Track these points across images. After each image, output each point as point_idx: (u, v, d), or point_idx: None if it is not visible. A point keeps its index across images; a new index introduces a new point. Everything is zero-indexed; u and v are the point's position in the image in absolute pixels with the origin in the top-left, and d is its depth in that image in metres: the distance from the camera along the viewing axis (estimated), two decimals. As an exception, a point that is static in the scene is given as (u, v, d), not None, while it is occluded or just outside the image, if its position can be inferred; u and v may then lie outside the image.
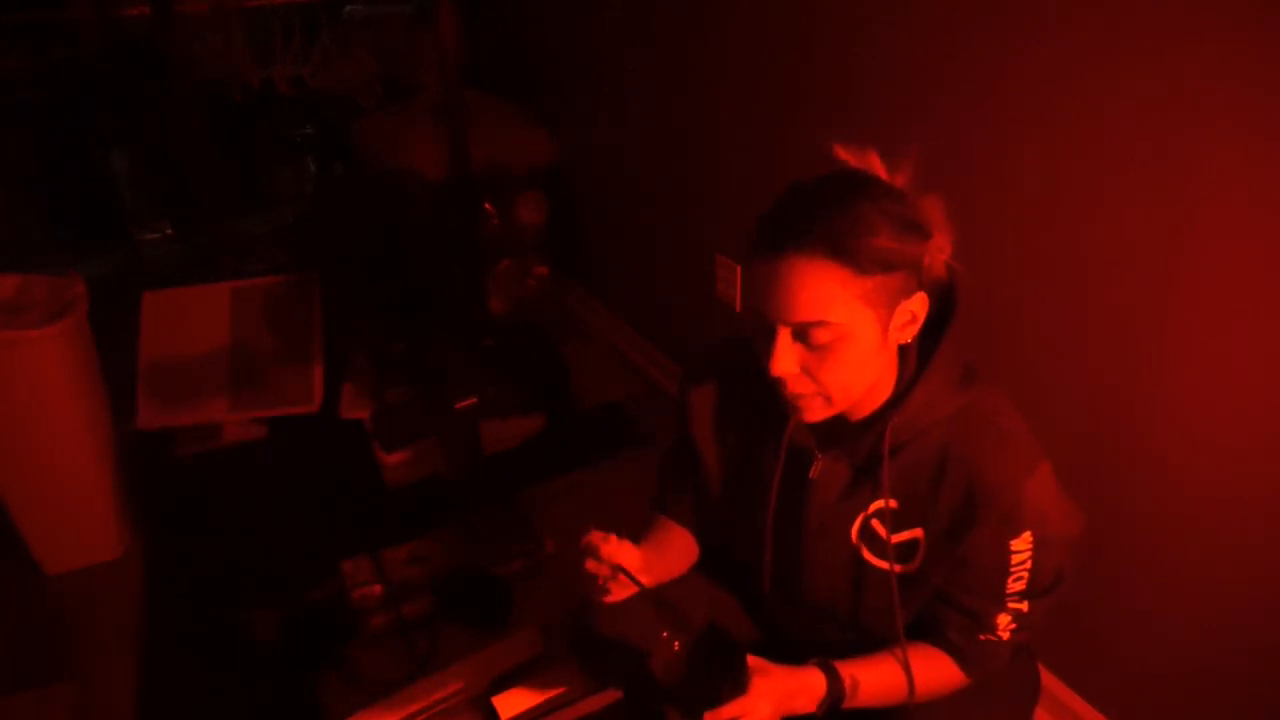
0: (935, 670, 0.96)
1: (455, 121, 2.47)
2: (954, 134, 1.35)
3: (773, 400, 0.93)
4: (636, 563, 0.94)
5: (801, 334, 0.82)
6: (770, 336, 0.83)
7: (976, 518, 0.86)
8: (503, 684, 1.40)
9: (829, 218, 0.79)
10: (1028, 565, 0.88)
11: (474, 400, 1.74)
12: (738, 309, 2.05)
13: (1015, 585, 0.89)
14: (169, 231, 3.49)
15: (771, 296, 0.81)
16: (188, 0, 2.20)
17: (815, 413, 0.87)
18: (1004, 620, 0.92)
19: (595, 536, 0.94)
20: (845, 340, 0.81)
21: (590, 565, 0.94)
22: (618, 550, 0.93)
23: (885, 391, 0.91)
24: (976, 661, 0.95)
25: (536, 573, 1.70)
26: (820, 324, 0.80)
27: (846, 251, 0.78)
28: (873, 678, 0.94)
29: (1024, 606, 0.91)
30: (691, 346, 2.31)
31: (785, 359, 0.83)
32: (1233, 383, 1.08)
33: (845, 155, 0.87)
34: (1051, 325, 1.29)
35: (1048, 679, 1.39)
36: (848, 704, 0.93)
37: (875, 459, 0.91)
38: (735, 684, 0.85)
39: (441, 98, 2.54)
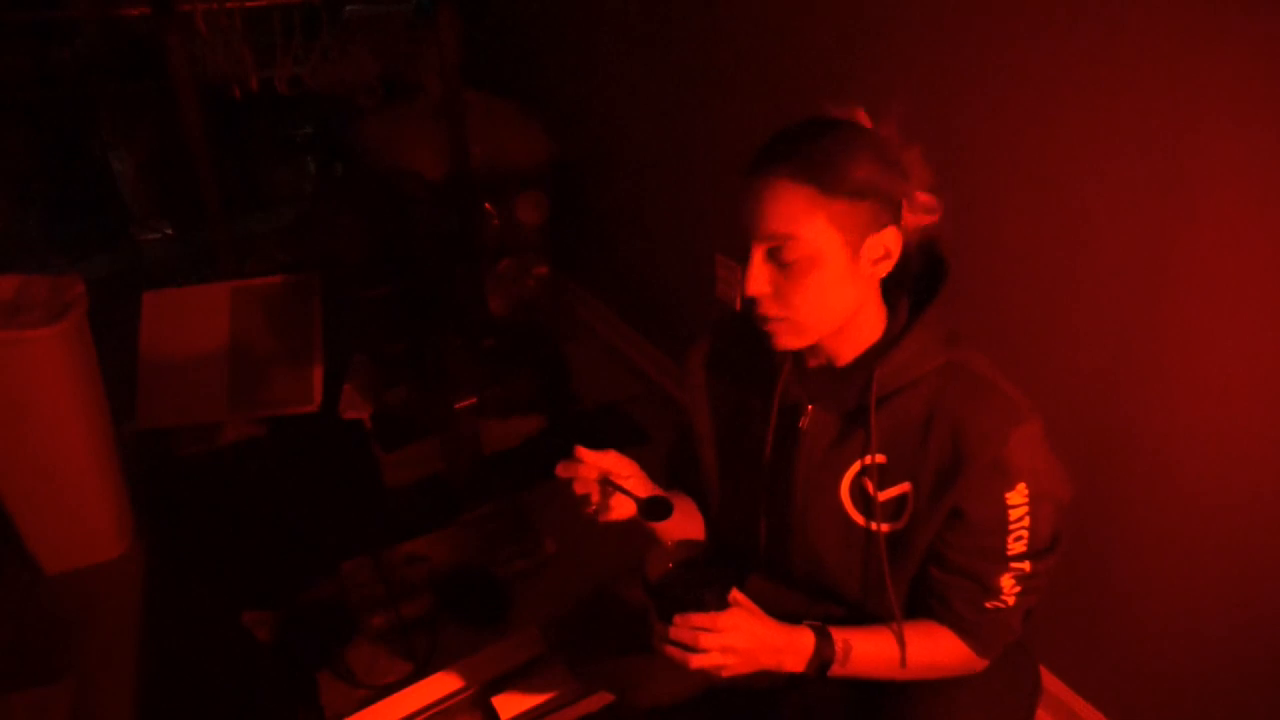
0: (938, 645, 0.95)
1: (455, 121, 2.47)
2: (954, 133, 1.35)
3: (766, 356, 0.96)
4: (627, 470, 0.93)
5: (774, 254, 0.86)
6: (746, 259, 0.87)
7: (964, 469, 0.87)
8: (503, 684, 1.40)
9: (801, 143, 0.85)
10: (1026, 522, 0.88)
11: (474, 400, 1.74)
12: (738, 309, 2.05)
13: (1016, 545, 0.89)
14: (169, 231, 3.49)
15: (746, 214, 0.87)
16: (188, 0, 2.20)
17: (786, 339, 0.90)
18: (1008, 582, 0.91)
19: (578, 450, 0.92)
20: (813, 261, 0.85)
21: (577, 485, 0.92)
22: (602, 458, 0.92)
23: (872, 336, 0.93)
24: (986, 636, 0.94)
25: (536, 573, 1.70)
26: (788, 238, 0.84)
27: (813, 171, 0.83)
28: (868, 644, 0.94)
29: (1026, 567, 0.90)
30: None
31: (758, 278, 0.87)
32: (1233, 382, 1.08)
33: (833, 109, 0.92)
34: (1050, 323, 1.29)
35: (1048, 679, 1.39)
36: (840, 669, 0.93)
37: (863, 409, 0.92)
38: (719, 599, 0.87)
39: (441, 98, 2.54)
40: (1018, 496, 0.87)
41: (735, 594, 0.90)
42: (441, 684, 1.40)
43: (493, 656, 1.45)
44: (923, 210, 0.90)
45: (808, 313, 0.87)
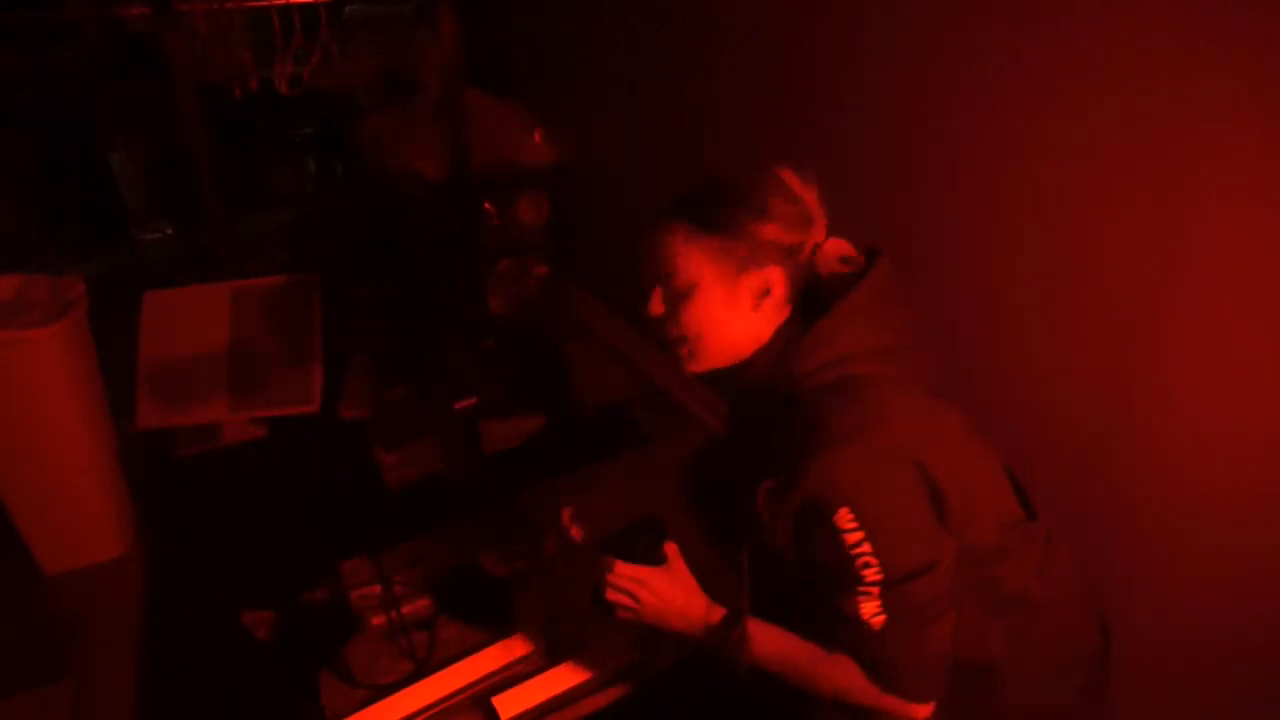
0: (838, 666, 0.94)
1: (455, 121, 2.47)
2: (954, 133, 1.35)
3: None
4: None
5: (665, 285, 0.99)
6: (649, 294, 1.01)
7: (788, 495, 0.89)
8: (503, 684, 1.40)
9: (690, 192, 0.99)
10: (867, 548, 0.86)
11: (474, 400, 1.74)
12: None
13: (867, 573, 0.87)
14: (169, 231, 3.50)
15: (642, 260, 1.00)
16: (187, 0, 2.19)
17: (689, 362, 1.02)
18: (867, 609, 0.88)
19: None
20: (695, 290, 0.97)
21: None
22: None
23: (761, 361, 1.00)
24: (869, 663, 0.92)
25: (537, 573, 1.70)
26: (669, 274, 0.98)
27: (690, 211, 0.97)
28: (770, 641, 0.97)
29: (877, 592, 0.88)
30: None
31: (654, 303, 1.01)
32: (1233, 383, 1.08)
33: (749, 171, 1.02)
34: (1051, 324, 1.29)
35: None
36: (735, 653, 0.97)
37: (761, 435, 0.99)
38: (649, 550, 1.05)
39: (441, 98, 2.54)
40: (845, 521, 0.86)
41: (673, 557, 1.05)
42: (441, 684, 1.40)
43: (493, 656, 1.45)
44: (831, 253, 0.98)
45: (696, 335, 0.98)
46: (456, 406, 1.73)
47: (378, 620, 1.56)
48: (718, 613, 1.01)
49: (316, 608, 1.62)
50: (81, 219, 3.39)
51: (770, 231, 0.95)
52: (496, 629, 1.55)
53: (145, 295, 2.25)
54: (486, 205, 2.64)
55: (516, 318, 2.74)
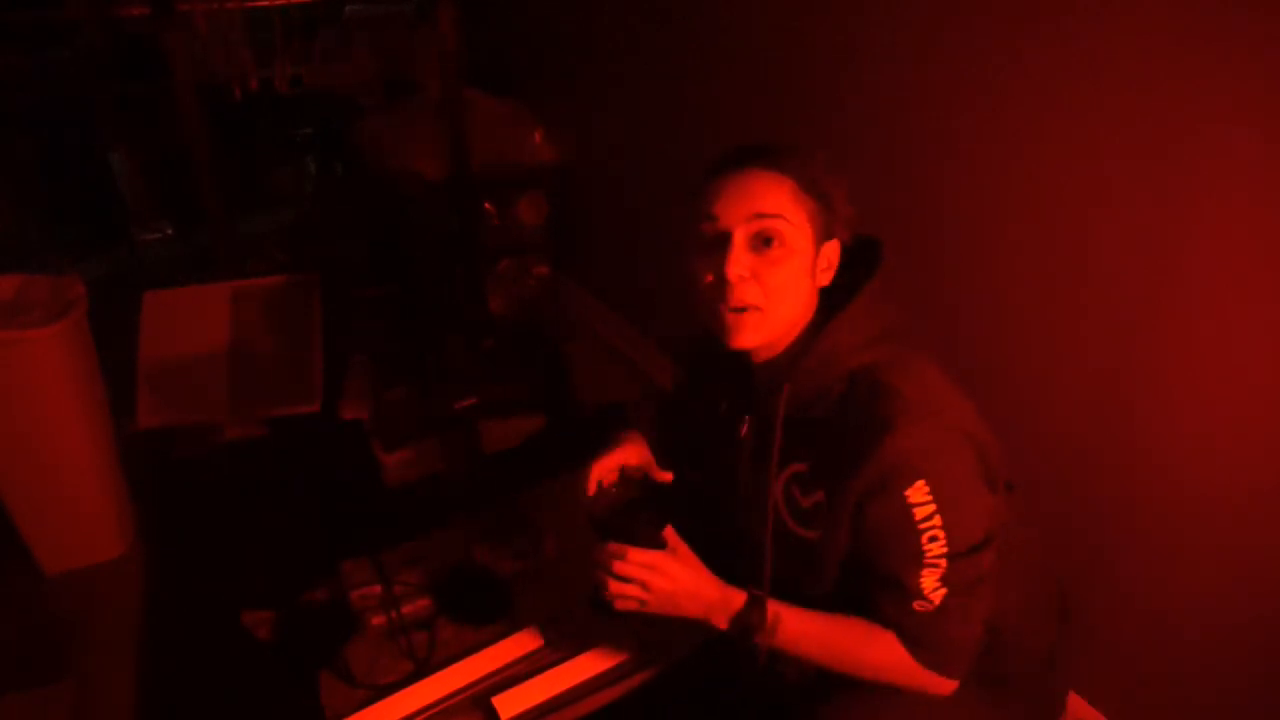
0: (877, 642, 0.93)
1: (455, 121, 2.47)
2: (954, 133, 1.35)
3: (719, 371, 1.03)
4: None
5: (756, 239, 0.90)
6: (724, 246, 0.90)
7: (859, 471, 0.88)
8: (503, 684, 1.40)
9: (776, 147, 0.93)
10: (937, 521, 0.87)
11: (474, 400, 1.74)
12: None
13: (932, 546, 0.88)
14: (169, 231, 3.49)
15: (733, 201, 0.90)
16: (187, 0, 2.19)
17: (749, 330, 0.92)
18: (930, 582, 0.89)
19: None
20: (792, 249, 0.90)
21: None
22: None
23: (790, 338, 0.96)
24: (924, 641, 0.92)
25: (537, 573, 1.70)
26: (778, 216, 0.89)
27: (794, 169, 0.91)
28: (803, 621, 0.94)
29: (942, 565, 0.88)
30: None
31: (740, 260, 0.90)
32: (1232, 382, 1.08)
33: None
34: (1051, 323, 1.29)
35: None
36: (766, 638, 0.94)
37: (787, 419, 0.95)
38: (650, 534, 0.96)
39: (441, 98, 2.54)
40: (918, 494, 0.87)
41: (672, 537, 0.98)
42: (441, 684, 1.40)
43: (493, 656, 1.45)
44: (847, 233, 0.96)
45: (777, 302, 0.91)
46: (456, 406, 1.73)
47: (378, 620, 1.56)
48: (736, 595, 0.96)
49: (316, 608, 1.62)
50: (81, 219, 3.39)
51: (844, 204, 0.94)
52: (496, 629, 1.55)
53: (145, 295, 2.25)
54: (486, 205, 2.64)
55: (516, 318, 2.74)
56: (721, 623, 0.96)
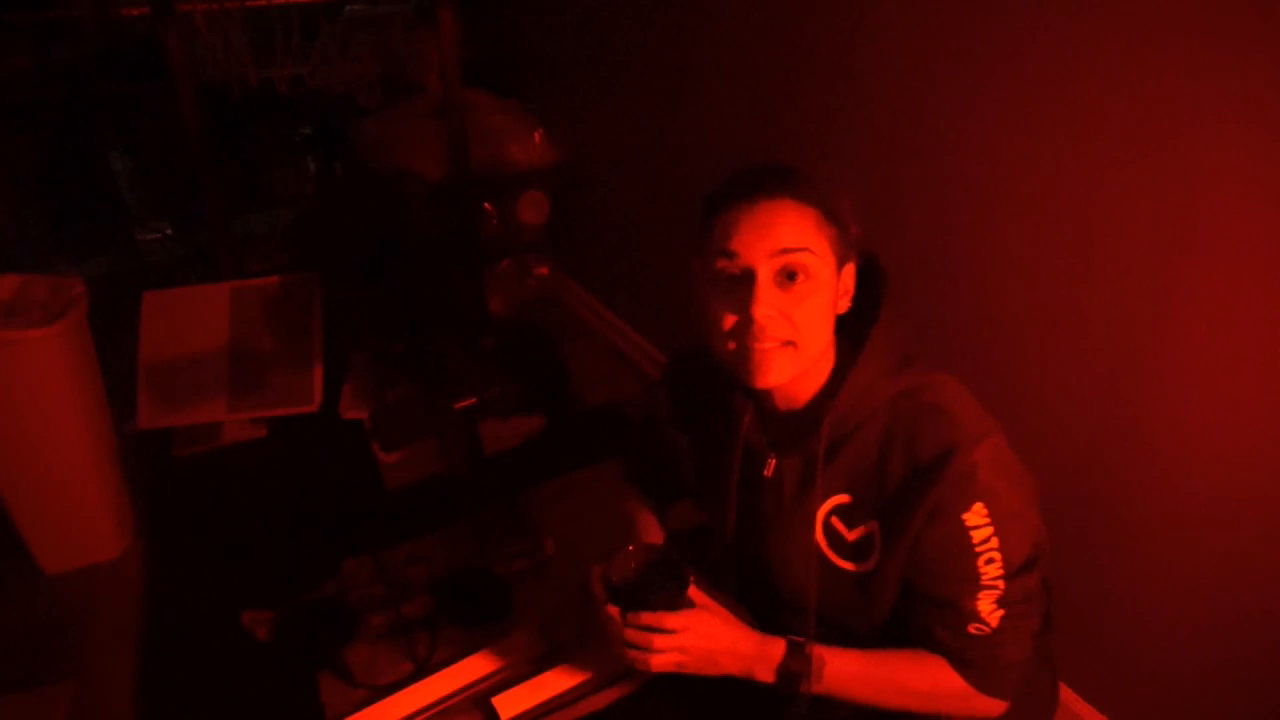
0: (927, 670, 0.93)
1: (455, 121, 2.47)
2: (954, 134, 1.35)
3: (729, 402, 0.97)
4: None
5: (781, 274, 0.86)
6: (747, 285, 0.86)
7: (918, 497, 0.86)
8: (503, 684, 1.40)
9: (791, 174, 0.88)
10: (994, 543, 0.86)
11: (474, 400, 1.74)
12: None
13: (989, 568, 0.87)
14: (169, 231, 3.49)
15: (755, 237, 0.85)
16: (187, 0, 2.20)
17: (778, 368, 0.88)
18: (986, 605, 0.88)
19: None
20: (818, 281, 0.86)
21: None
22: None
23: (823, 377, 0.93)
24: (979, 664, 0.91)
25: (537, 573, 1.70)
26: (803, 250, 0.85)
27: (814, 196, 0.86)
28: (848, 661, 0.92)
29: (1002, 586, 0.88)
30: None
31: (767, 299, 0.85)
32: (1232, 382, 1.08)
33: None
34: (1054, 326, 1.29)
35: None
36: (816, 686, 0.92)
37: (814, 458, 0.92)
38: (669, 599, 0.91)
39: (441, 98, 2.54)
40: (976, 517, 0.86)
41: (699, 595, 0.93)
42: (441, 684, 1.40)
43: (492, 656, 1.45)
44: (857, 255, 0.93)
45: (808, 336, 0.87)
46: (456, 406, 1.73)
47: (378, 620, 1.56)
48: (775, 645, 0.92)
49: (316, 608, 1.62)
50: (81, 219, 3.39)
51: (855, 225, 0.91)
52: (496, 629, 1.55)
53: (145, 295, 2.25)
54: (486, 205, 2.64)
55: (516, 318, 2.74)
56: (766, 675, 0.93)
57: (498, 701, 1.35)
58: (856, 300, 0.94)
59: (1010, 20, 1.23)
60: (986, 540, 0.86)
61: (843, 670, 0.92)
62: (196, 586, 1.74)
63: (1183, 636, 1.23)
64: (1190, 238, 1.07)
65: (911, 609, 0.93)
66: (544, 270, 2.81)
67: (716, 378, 0.98)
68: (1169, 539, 1.20)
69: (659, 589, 0.94)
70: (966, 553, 0.87)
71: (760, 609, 1.06)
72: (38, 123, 3.22)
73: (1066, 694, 1.39)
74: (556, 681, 1.36)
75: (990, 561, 0.87)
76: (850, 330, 0.93)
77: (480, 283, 2.62)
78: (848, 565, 0.95)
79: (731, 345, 0.88)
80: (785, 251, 0.85)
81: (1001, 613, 0.89)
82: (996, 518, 0.86)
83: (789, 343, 0.87)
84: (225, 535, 1.89)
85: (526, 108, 2.80)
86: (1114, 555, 1.27)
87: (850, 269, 0.91)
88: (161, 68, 2.25)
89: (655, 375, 2.49)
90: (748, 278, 0.86)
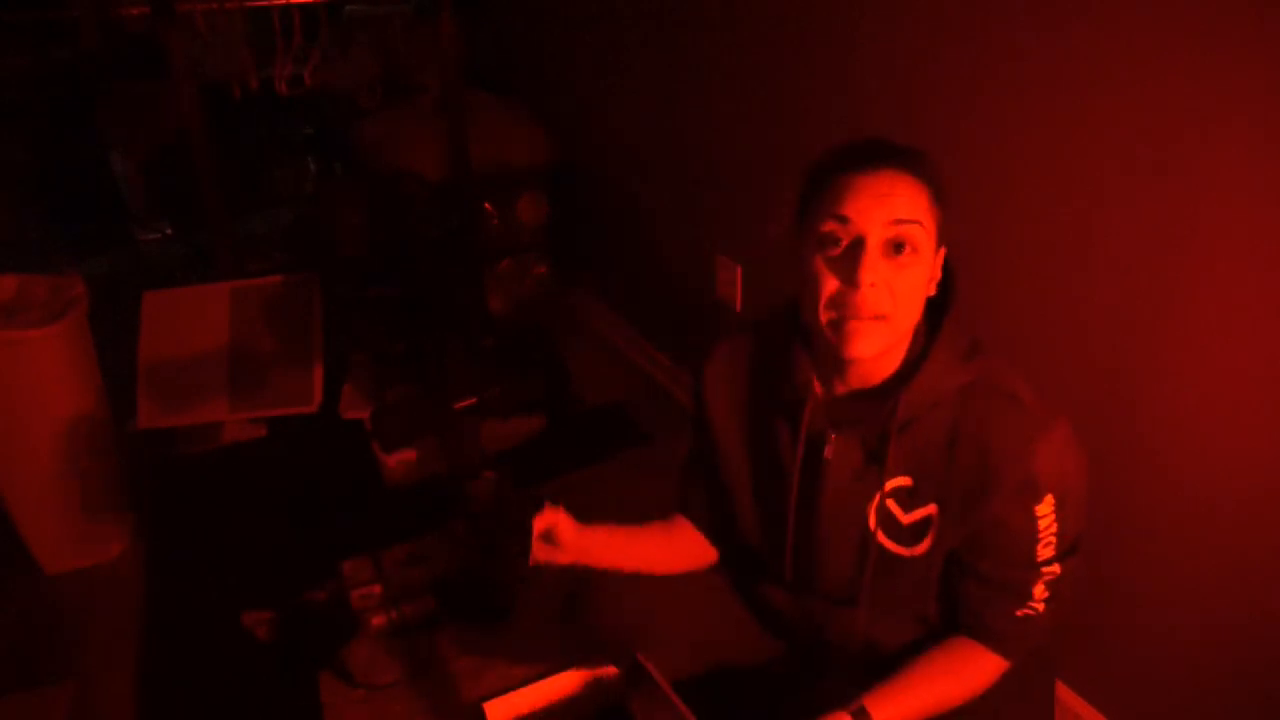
0: (968, 667, 0.95)
1: (455, 121, 2.47)
2: (954, 134, 1.35)
3: (787, 383, 0.97)
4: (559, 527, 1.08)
5: (890, 245, 0.85)
6: (857, 250, 0.84)
7: (992, 487, 0.88)
8: (500, 687, 1.39)
9: (907, 151, 0.88)
10: (1054, 529, 0.89)
11: (474, 400, 1.74)
12: (738, 309, 2.05)
13: (1045, 551, 0.90)
14: (169, 231, 3.49)
15: (871, 203, 0.84)
16: (187, 0, 2.19)
17: (873, 338, 0.87)
18: (1040, 589, 0.92)
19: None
20: (921, 258, 0.86)
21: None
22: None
23: (899, 356, 0.93)
24: (1017, 641, 0.95)
25: (537, 573, 1.70)
26: (915, 223, 0.84)
27: (928, 175, 0.87)
28: (900, 704, 0.92)
29: (1056, 570, 0.91)
30: (692, 347, 2.31)
31: (874, 266, 0.84)
32: (1233, 382, 1.08)
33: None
34: (1056, 325, 1.29)
35: (1048, 679, 1.38)
36: None
37: (887, 435, 0.92)
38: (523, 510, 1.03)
39: (441, 98, 2.54)
40: (1045, 508, 0.88)
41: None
42: (441, 684, 1.40)
43: (492, 657, 1.45)
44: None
45: (904, 310, 0.87)
46: (456, 406, 1.73)
47: (378, 620, 1.56)
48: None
49: (316, 608, 1.62)
50: (81, 219, 3.39)
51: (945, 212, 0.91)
52: (496, 629, 1.55)
53: (145, 295, 2.25)
54: (486, 205, 2.64)
55: (516, 318, 2.74)
56: None
57: (489, 707, 1.34)
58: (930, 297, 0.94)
59: (1011, 20, 1.23)
60: (1049, 527, 0.89)
61: (893, 714, 0.92)
62: (196, 586, 1.74)
63: (1182, 636, 1.23)
64: (1190, 238, 1.07)
65: (964, 593, 0.95)
66: (544, 270, 2.81)
67: (770, 362, 1.00)
68: (1169, 539, 1.20)
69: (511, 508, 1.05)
70: (1031, 540, 0.90)
71: (802, 607, 1.06)
72: (38, 123, 3.22)
73: (1066, 694, 1.39)
74: (549, 688, 1.36)
75: (1047, 545, 0.90)
76: (926, 315, 0.93)
77: (480, 283, 2.62)
78: (899, 549, 0.95)
79: (830, 314, 0.87)
80: (899, 222, 0.84)
81: (1049, 594, 0.92)
82: (1060, 504, 0.89)
83: (881, 316, 0.86)
84: (225, 535, 1.89)
85: (526, 108, 2.80)
86: (1114, 555, 1.27)
87: (943, 254, 0.91)
88: (162, 68, 2.25)
89: (655, 375, 2.49)
90: (857, 245, 0.84)
